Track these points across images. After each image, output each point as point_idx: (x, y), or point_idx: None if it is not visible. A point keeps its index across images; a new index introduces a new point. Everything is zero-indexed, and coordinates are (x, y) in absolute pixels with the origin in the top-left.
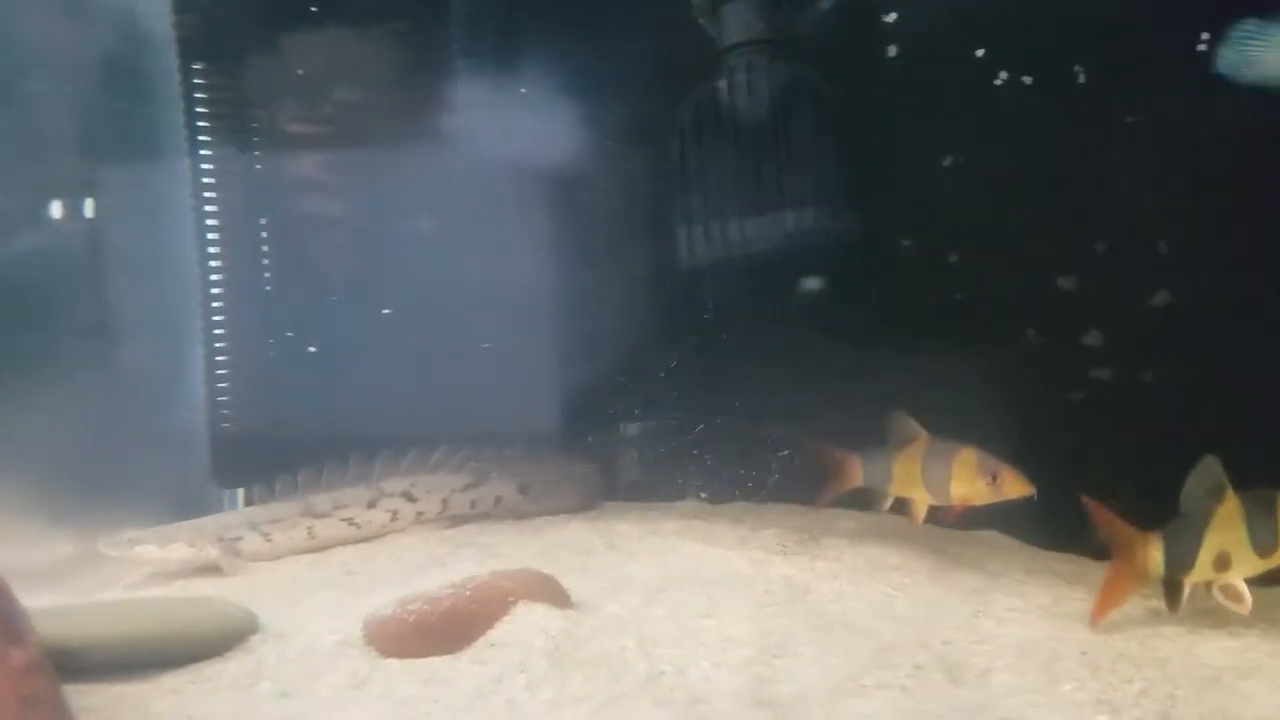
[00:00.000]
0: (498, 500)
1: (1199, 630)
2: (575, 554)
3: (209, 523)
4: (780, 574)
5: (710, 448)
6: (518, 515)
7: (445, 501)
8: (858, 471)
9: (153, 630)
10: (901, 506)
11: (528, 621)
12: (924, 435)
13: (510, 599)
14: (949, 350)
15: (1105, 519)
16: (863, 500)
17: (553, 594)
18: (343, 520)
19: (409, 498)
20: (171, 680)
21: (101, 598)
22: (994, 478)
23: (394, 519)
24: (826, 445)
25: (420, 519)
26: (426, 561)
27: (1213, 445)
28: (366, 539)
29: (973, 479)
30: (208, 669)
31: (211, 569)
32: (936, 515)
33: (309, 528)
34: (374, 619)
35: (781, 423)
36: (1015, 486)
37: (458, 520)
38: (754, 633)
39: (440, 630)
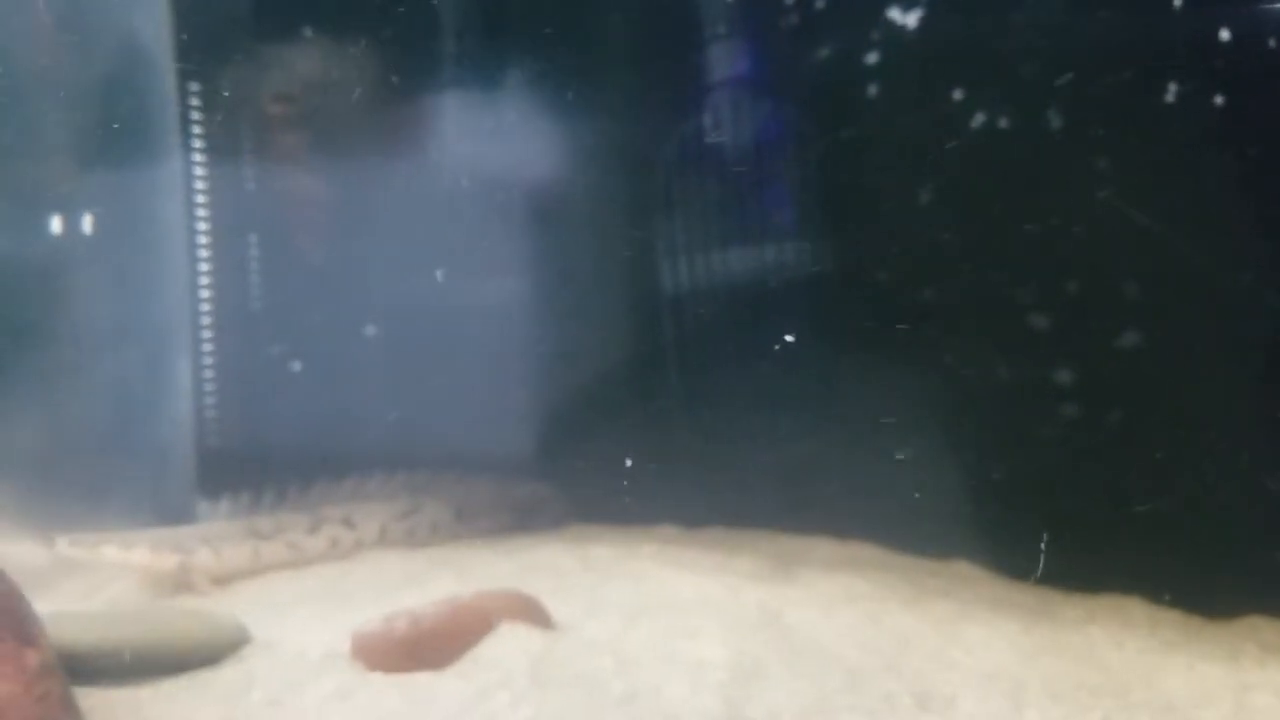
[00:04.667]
0: (434, 526)
1: (1162, 661)
2: (552, 576)
3: (169, 534)
4: (754, 599)
5: (685, 472)
6: (455, 538)
7: (383, 528)
8: None
9: (149, 638)
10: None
11: (511, 640)
12: None
13: (494, 618)
14: (920, 382)
15: None
16: (840, 528)
17: (535, 614)
18: (285, 544)
19: (348, 524)
20: (167, 686)
21: (96, 606)
22: None
23: (333, 545)
24: None
25: (359, 546)
26: (404, 580)
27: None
28: (308, 563)
29: None
30: (201, 677)
31: (182, 584)
32: None
33: (254, 548)
34: (360, 633)
35: (756, 449)
36: None
37: (416, 543)
38: (728, 656)
39: (425, 646)
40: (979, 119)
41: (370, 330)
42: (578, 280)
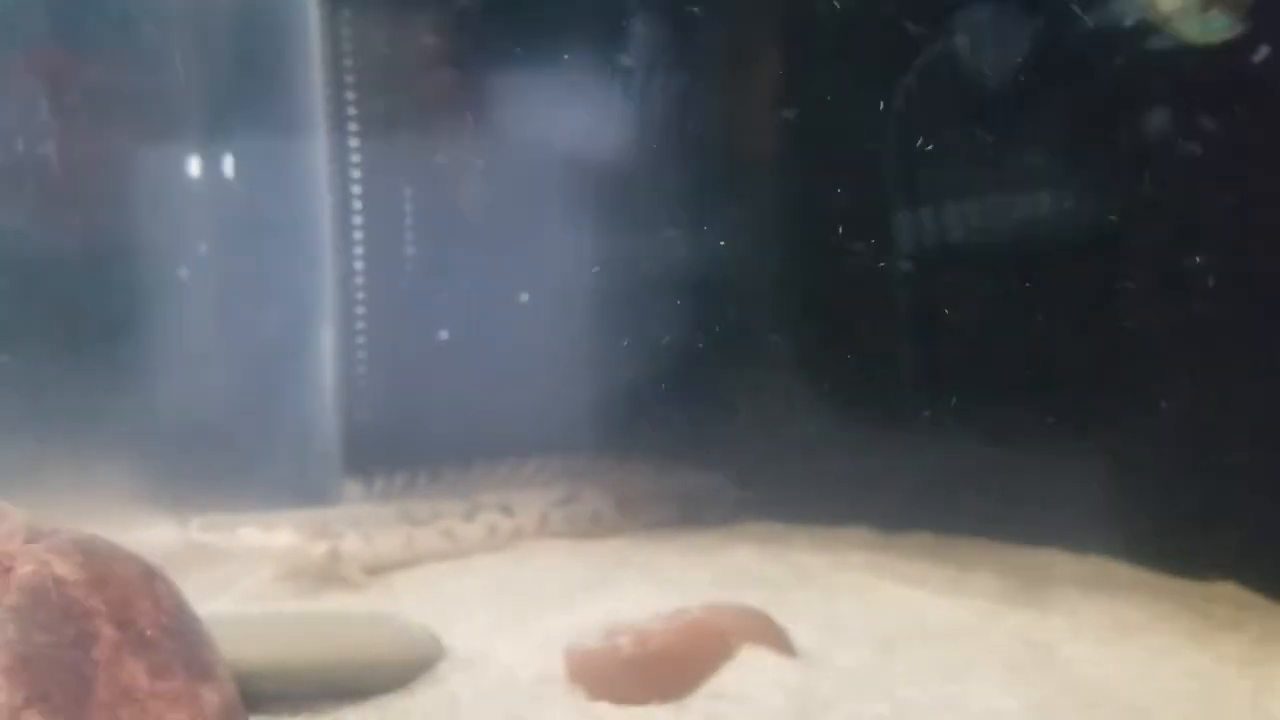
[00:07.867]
0: (595, 516)
1: None
2: (760, 587)
3: (313, 516)
4: (1012, 628)
5: (872, 469)
6: (614, 531)
7: (543, 517)
8: None
9: (330, 655)
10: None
11: (757, 671)
12: None
13: (732, 640)
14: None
15: None
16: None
17: (776, 639)
18: (439, 532)
19: (507, 511)
20: (354, 717)
21: (259, 610)
22: None
23: (491, 534)
24: None
25: (518, 535)
26: (587, 581)
27: None
28: (464, 554)
29: None
30: (394, 705)
31: (329, 576)
32: None
33: (407, 535)
34: (578, 652)
35: (961, 443)
36: None
37: (576, 535)
38: (1018, 706)
39: (655, 672)
40: None
41: (525, 300)
42: (767, 254)
